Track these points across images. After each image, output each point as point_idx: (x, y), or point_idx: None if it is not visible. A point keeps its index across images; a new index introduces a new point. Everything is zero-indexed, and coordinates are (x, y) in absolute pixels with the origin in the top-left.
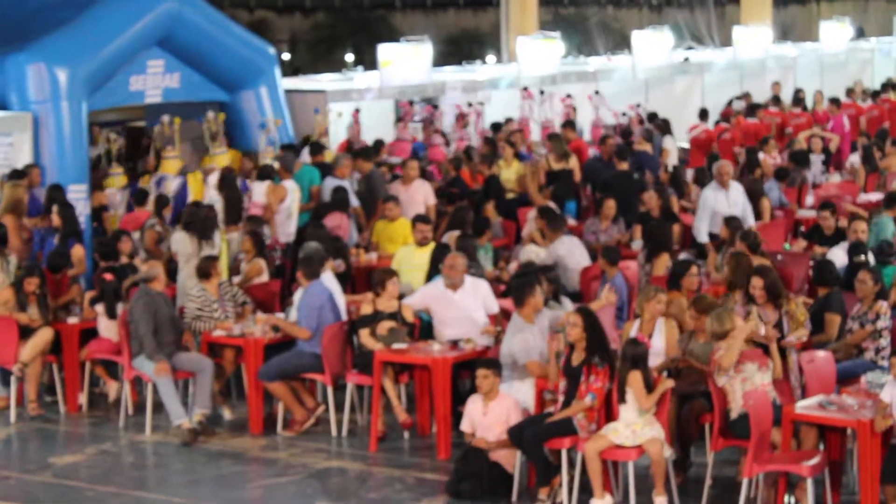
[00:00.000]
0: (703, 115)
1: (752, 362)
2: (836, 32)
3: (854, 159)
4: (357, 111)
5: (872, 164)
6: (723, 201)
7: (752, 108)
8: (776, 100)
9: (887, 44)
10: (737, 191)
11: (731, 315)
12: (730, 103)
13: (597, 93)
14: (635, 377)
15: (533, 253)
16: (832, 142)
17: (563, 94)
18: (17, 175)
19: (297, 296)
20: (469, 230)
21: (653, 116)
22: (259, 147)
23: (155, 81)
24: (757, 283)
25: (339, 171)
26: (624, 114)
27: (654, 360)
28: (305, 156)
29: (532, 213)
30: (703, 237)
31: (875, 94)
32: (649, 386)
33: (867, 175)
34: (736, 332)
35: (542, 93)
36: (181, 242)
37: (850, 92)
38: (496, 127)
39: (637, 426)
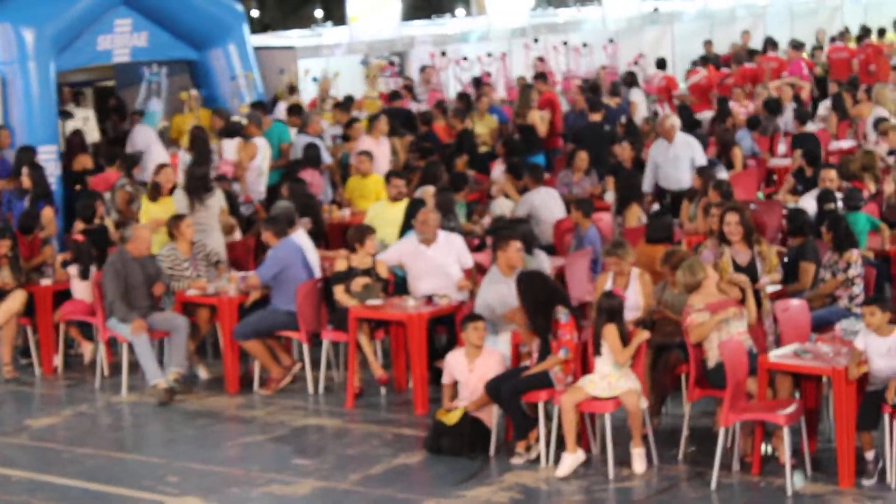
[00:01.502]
0: (661, 64)
1: (730, 309)
2: None
3: (825, 107)
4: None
5: (843, 112)
6: (664, 154)
7: (750, 53)
8: (773, 44)
9: None
10: (680, 145)
11: (702, 265)
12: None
13: (565, 44)
14: (610, 330)
15: (503, 206)
16: (803, 90)
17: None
18: None
19: (269, 254)
20: (441, 184)
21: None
22: (228, 102)
23: (123, 40)
24: (732, 218)
25: (310, 127)
26: (636, 62)
27: (630, 313)
28: (276, 113)
29: (498, 167)
30: (646, 187)
31: (860, 39)
32: (624, 339)
33: (838, 122)
34: (708, 295)
35: (535, 41)
36: (179, 201)
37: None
38: (477, 82)
39: (612, 377)
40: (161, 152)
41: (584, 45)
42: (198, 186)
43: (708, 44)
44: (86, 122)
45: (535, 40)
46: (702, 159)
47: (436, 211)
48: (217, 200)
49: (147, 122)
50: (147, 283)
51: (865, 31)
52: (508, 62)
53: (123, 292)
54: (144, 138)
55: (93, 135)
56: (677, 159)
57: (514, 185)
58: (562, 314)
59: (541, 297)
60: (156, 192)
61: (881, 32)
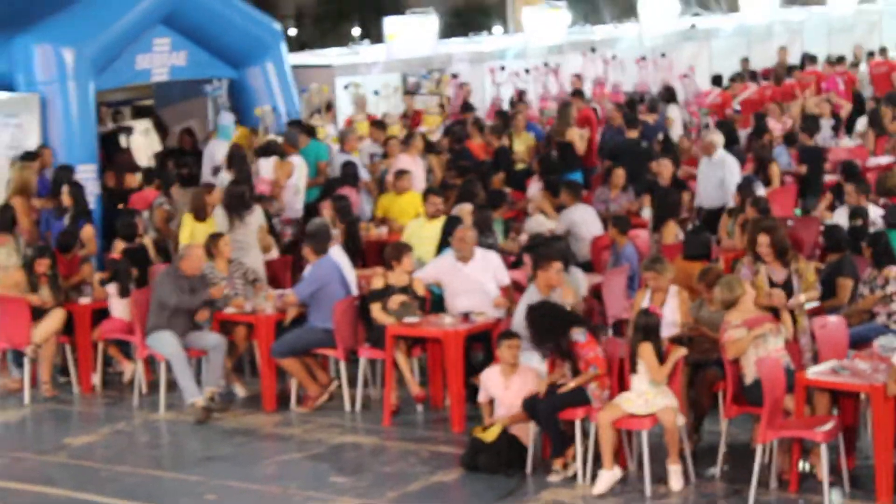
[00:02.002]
0: (717, 81)
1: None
2: None
3: (863, 123)
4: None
5: (881, 128)
6: (703, 170)
7: (789, 70)
8: (812, 60)
9: (895, 6)
10: (716, 162)
11: (740, 281)
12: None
13: (614, 57)
14: (646, 349)
15: (539, 223)
16: (843, 108)
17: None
18: (27, 157)
19: (307, 271)
20: (479, 202)
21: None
22: (266, 122)
23: (161, 60)
24: (763, 240)
25: (347, 145)
26: (686, 76)
27: (667, 330)
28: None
29: (535, 184)
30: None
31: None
32: (660, 356)
33: (876, 138)
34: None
35: (546, 65)
36: (220, 218)
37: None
38: (513, 99)
39: (649, 395)
40: None
41: (643, 57)
42: (237, 204)
43: (745, 61)
44: (147, 133)
45: (593, 49)
46: (732, 179)
47: (473, 228)
48: (256, 218)
49: (222, 137)
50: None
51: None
52: (558, 75)
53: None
54: (222, 152)
55: (153, 146)
56: (711, 177)
57: (551, 203)
58: (578, 334)
59: (549, 324)
60: (202, 212)
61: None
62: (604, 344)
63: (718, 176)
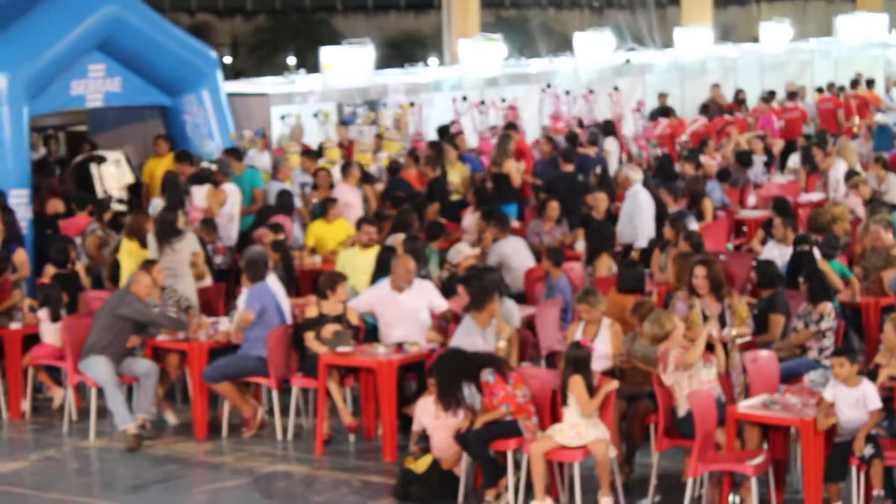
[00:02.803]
0: (665, 112)
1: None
2: (775, 33)
3: (795, 160)
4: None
5: (812, 165)
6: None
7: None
8: (791, 95)
9: (826, 44)
10: (629, 198)
11: (669, 316)
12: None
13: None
14: (576, 382)
15: (459, 252)
16: (774, 145)
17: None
18: None
19: (241, 299)
20: (413, 232)
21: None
22: (201, 148)
23: (96, 85)
24: (700, 272)
25: (280, 173)
26: (639, 109)
27: (599, 363)
28: (250, 159)
29: (469, 215)
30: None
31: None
32: (591, 389)
33: (808, 176)
34: (696, 333)
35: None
36: (152, 244)
37: (792, 95)
38: (442, 130)
39: (581, 427)
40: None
41: (591, 91)
42: (167, 231)
43: (662, 96)
44: (118, 164)
45: (549, 85)
46: (639, 216)
47: (413, 259)
48: (187, 245)
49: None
50: (137, 328)
51: (854, 83)
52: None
53: (119, 331)
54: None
55: (125, 177)
56: (624, 212)
57: (494, 230)
58: (488, 375)
59: (459, 372)
60: (143, 237)
61: (869, 83)
62: (518, 376)
63: (627, 211)
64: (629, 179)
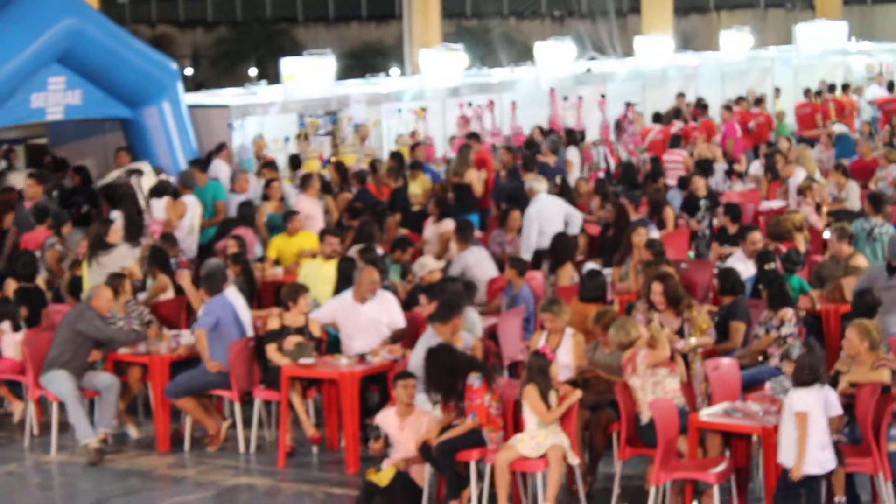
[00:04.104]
0: (658, 118)
1: (664, 367)
2: (736, 41)
3: (756, 167)
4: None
5: (774, 172)
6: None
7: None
8: (758, 100)
9: (786, 52)
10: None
11: (635, 323)
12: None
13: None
14: (530, 392)
15: (420, 266)
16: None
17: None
18: None
19: (201, 311)
20: (375, 244)
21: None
22: (161, 160)
23: (56, 98)
24: (657, 288)
25: (236, 185)
26: (628, 115)
27: (562, 372)
28: (213, 170)
29: (430, 226)
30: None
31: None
32: (546, 398)
33: (769, 183)
34: (658, 337)
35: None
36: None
37: (759, 101)
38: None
39: (540, 437)
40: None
41: (580, 97)
42: (93, 244)
43: (629, 105)
44: (149, 175)
45: (469, 103)
46: (525, 229)
47: (377, 270)
48: (115, 259)
49: (246, 168)
50: (98, 342)
51: (831, 88)
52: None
53: (80, 344)
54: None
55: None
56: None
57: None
58: (475, 379)
59: (444, 370)
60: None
61: (844, 88)
62: (498, 388)
63: (536, 221)
64: (532, 190)
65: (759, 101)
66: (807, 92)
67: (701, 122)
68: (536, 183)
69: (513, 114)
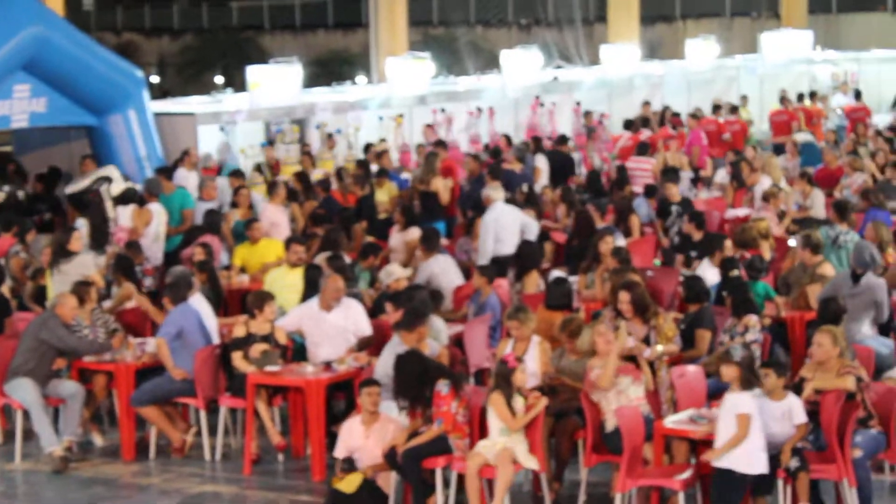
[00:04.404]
0: (629, 125)
1: (626, 376)
2: (702, 50)
3: (722, 175)
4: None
5: (740, 181)
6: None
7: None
8: (733, 108)
9: (752, 61)
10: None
11: (607, 329)
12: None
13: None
14: (494, 398)
15: (387, 274)
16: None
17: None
18: None
19: (166, 317)
20: (341, 251)
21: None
22: (128, 168)
23: (21, 106)
24: (623, 297)
25: (204, 192)
26: (601, 122)
27: (529, 379)
28: (178, 178)
29: (396, 234)
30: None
31: (734, 109)
32: (509, 404)
33: (735, 191)
34: (609, 351)
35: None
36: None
37: (735, 109)
38: (368, 148)
39: (500, 444)
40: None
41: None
42: (55, 252)
43: (587, 115)
44: (118, 181)
45: (443, 110)
46: (502, 230)
47: (342, 277)
48: (76, 268)
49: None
50: (61, 351)
51: (799, 96)
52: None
53: (44, 352)
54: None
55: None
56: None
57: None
58: (443, 386)
59: (414, 376)
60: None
61: (812, 96)
62: (466, 396)
63: (493, 228)
64: (489, 197)
65: (735, 110)
66: (782, 100)
67: (679, 130)
68: (493, 191)
69: (491, 121)
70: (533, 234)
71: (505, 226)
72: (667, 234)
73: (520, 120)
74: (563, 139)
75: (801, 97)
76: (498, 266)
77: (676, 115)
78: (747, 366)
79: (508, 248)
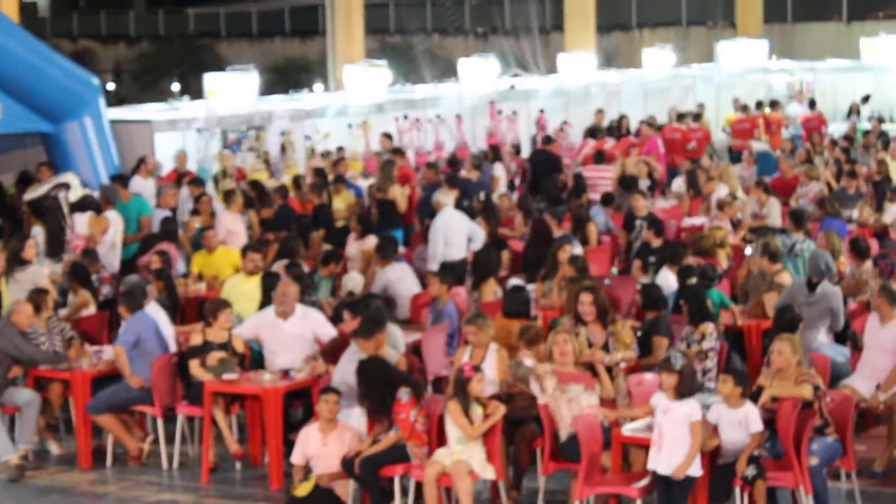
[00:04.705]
0: (593, 133)
1: (578, 383)
2: (658, 59)
3: (679, 184)
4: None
5: (697, 189)
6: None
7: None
8: (697, 116)
9: (708, 70)
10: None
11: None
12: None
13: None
14: (451, 406)
15: (352, 281)
16: (657, 170)
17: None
18: None
19: (123, 325)
20: (298, 259)
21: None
22: (84, 175)
23: None
24: (586, 298)
25: (163, 200)
26: (563, 129)
27: (487, 387)
28: (134, 185)
29: (353, 242)
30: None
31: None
32: (466, 411)
33: (691, 200)
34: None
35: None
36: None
37: (681, 116)
38: (326, 155)
39: (457, 452)
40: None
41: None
42: (9, 260)
43: (565, 122)
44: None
45: (405, 116)
46: (452, 235)
47: (294, 283)
48: (29, 276)
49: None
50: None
51: (758, 104)
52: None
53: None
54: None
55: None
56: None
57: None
58: (404, 394)
59: (379, 382)
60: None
61: (773, 105)
62: (426, 404)
63: (442, 234)
64: (439, 203)
65: (698, 117)
66: (744, 108)
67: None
68: (443, 196)
69: (458, 128)
70: (479, 242)
71: (454, 230)
72: (630, 247)
73: (476, 128)
74: (548, 139)
75: (759, 105)
76: (447, 271)
77: (652, 125)
78: (688, 374)
79: (458, 252)
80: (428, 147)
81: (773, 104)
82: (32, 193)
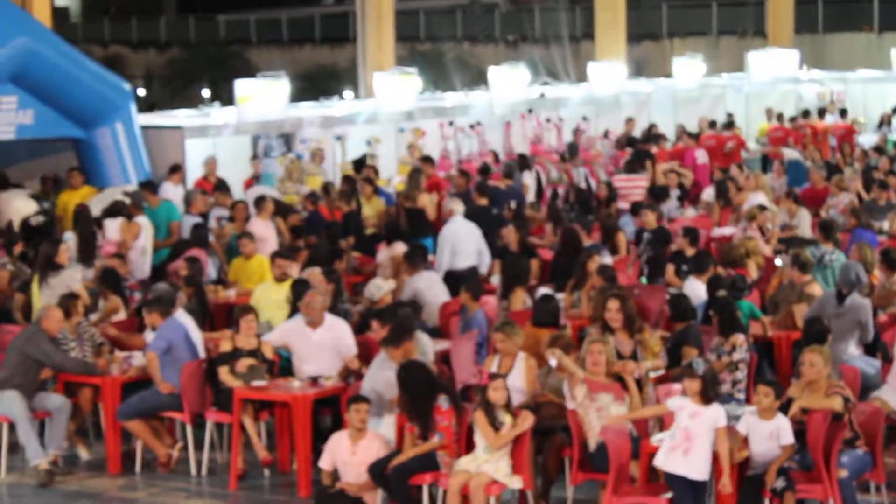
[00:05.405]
0: (632, 142)
1: (608, 393)
2: (688, 68)
3: (709, 194)
4: None
5: (727, 199)
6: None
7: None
8: (729, 124)
9: (738, 79)
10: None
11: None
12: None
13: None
14: (476, 416)
15: (375, 288)
16: (686, 177)
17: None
18: None
19: (154, 335)
20: (332, 265)
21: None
22: (114, 181)
23: (8, 118)
24: (613, 305)
25: (193, 207)
26: (606, 136)
27: (514, 396)
28: (164, 191)
29: (384, 250)
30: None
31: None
32: (494, 423)
33: (721, 210)
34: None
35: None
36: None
37: (713, 124)
38: (359, 163)
39: (481, 460)
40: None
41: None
42: (42, 265)
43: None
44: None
45: (451, 123)
46: (459, 244)
47: (321, 293)
48: (63, 281)
49: (264, 183)
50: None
51: (805, 113)
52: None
53: (30, 365)
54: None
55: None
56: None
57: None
58: (443, 401)
59: (421, 387)
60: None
61: (806, 113)
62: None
63: (450, 242)
64: (451, 211)
65: (730, 125)
66: (779, 117)
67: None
68: (454, 204)
69: (507, 134)
70: (485, 265)
71: (463, 239)
72: (639, 259)
73: (510, 135)
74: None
75: (806, 113)
76: (453, 280)
77: (691, 134)
78: (710, 380)
79: (464, 261)
80: (471, 153)
81: (807, 114)
82: (99, 205)
